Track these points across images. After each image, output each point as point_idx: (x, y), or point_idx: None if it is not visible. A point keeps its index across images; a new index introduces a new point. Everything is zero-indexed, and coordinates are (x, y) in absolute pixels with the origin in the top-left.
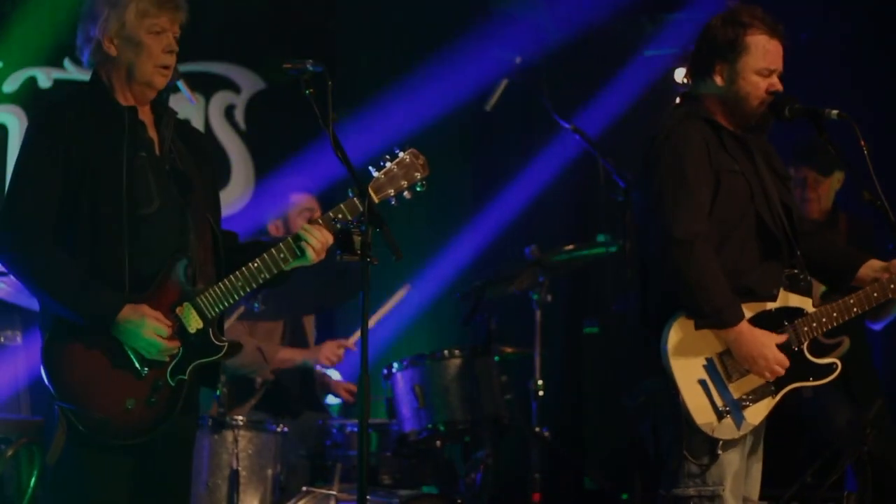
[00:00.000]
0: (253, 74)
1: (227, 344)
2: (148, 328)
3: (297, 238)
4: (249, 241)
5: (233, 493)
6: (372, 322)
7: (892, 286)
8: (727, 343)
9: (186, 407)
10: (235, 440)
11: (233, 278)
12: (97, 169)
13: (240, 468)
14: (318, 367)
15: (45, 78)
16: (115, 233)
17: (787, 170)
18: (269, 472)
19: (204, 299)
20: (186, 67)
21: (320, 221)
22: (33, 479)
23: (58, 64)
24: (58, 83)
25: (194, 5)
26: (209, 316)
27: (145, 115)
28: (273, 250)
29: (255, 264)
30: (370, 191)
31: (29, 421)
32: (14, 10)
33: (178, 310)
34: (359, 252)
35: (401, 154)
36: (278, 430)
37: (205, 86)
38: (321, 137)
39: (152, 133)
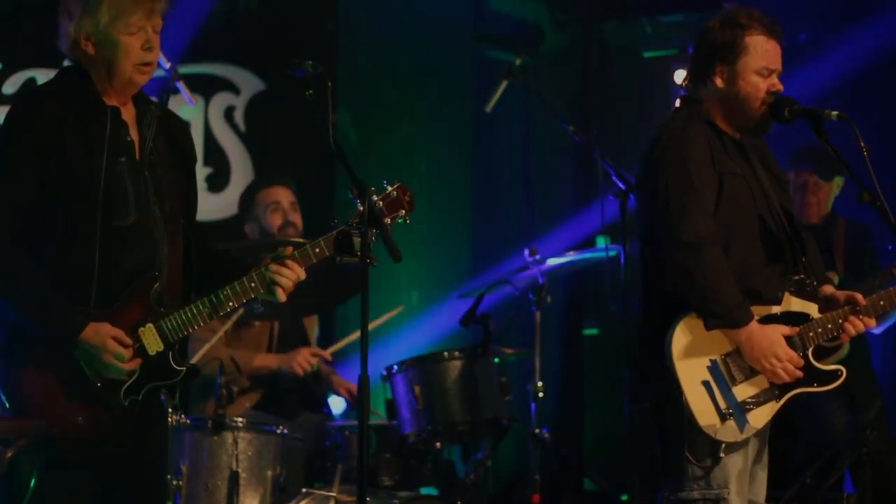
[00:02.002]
0: (253, 76)
1: (185, 369)
2: (107, 352)
3: (269, 272)
4: (219, 251)
5: (232, 495)
6: (356, 335)
7: None
8: (737, 343)
9: (148, 420)
10: (235, 441)
11: (200, 305)
12: (74, 172)
13: (239, 469)
14: (324, 365)
15: (45, 79)
16: (88, 244)
17: (784, 173)
18: (269, 473)
19: (168, 322)
20: (186, 69)
21: (295, 257)
22: (33, 481)
23: (57, 65)
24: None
25: (194, 7)
26: (171, 340)
27: (128, 112)
28: (245, 280)
29: (225, 292)
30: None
31: (28, 421)
32: (14, 11)
33: (140, 330)
34: (358, 253)
35: (388, 188)
36: (278, 431)
37: (204, 87)
38: (321, 139)
39: (134, 134)
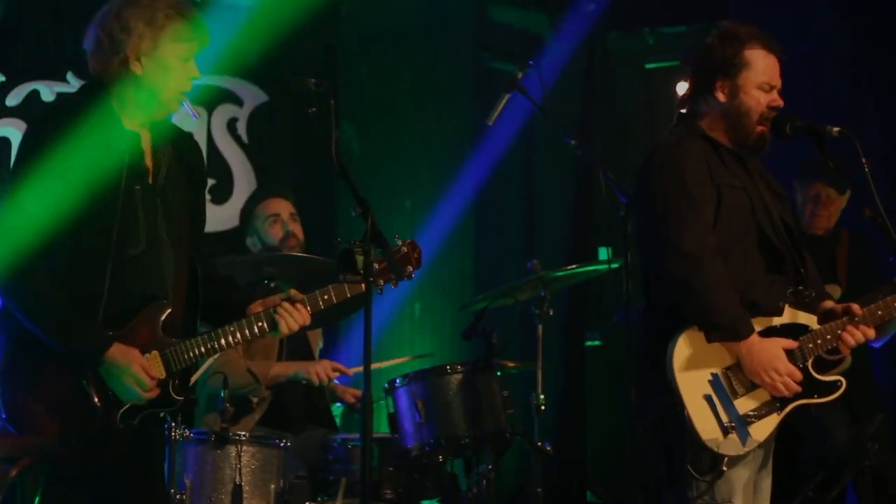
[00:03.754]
0: (255, 88)
1: (182, 399)
2: (130, 375)
3: (277, 314)
4: (223, 277)
5: None
6: (379, 365)
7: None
8: (738, 356)
9: (150, 439)
10: (238, 455)
11: (206, 338)
12: (91, 197)
13: (243, 483)
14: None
15: (48, 92)
16: (98, 270)
17: (782, 188)
18: (272, 486)
19: (173, 352)
20: None
21: (304, 300)
22: (37, 498)
23: (61, 78)
24: (60, 97)
25: None
26: (174, 368)
27: (145, 137)
28: (253, 318)
29: (231, 328)
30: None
31: (31, 440)
32: (17, 23)
33: (145, 356)
34: (361, 272)
35: (399, 243)
36: (281, 444)
37: (207, 99)
38: (324, 151)
39: (148, 161)
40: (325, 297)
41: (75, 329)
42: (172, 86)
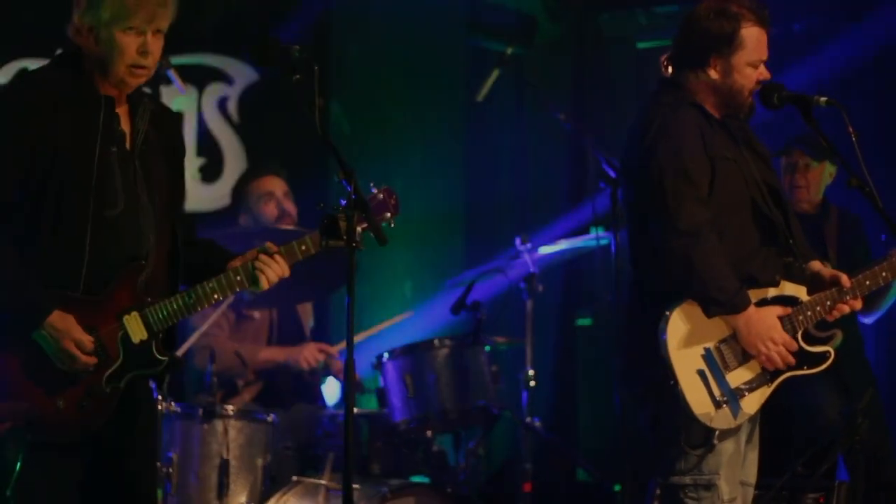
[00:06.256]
0: (246, 66)
1: (168, 359)
2: (69, 339)
3: (255, 265)
4: (203, 240)
5: (223, 483)
6: (365, 335)
7: (883, 274)
8: (735, 328)
9: (136, 407)
10: (226, 430)
11: (185, 297)
12: (66, 161)
13: (230, 458)
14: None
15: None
16: (79, 232)
17: (767, 150)
18: (259, 461)
19: (153, 312)
20: (180, 59)
21: (282, 252)
22: (18, 464)
23: (49, 55)
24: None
25: None
26: (155, 329)
27: (121, 103)
28: (231, 273)
29: (211, 285)
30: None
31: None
32: (5, 1)
33: (125, 318)
34: (344, 237)
35: (374, 191)
36: (268, 419)
37: (198, 77)
38: (314, 128)
39: (125, 125)
40: (303, 247)
41: (19, 293)
42: (120, 61)
